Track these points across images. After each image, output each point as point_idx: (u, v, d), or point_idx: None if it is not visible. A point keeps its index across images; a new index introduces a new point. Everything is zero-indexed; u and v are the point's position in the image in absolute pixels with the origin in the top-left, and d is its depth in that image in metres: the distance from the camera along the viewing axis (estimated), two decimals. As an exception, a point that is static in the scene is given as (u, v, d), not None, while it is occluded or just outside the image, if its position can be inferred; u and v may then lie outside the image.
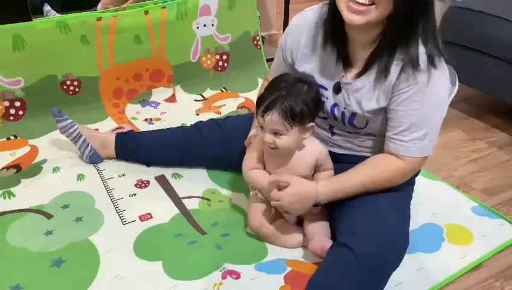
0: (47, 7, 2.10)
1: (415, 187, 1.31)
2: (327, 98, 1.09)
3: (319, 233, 1.08)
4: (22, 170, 1.42)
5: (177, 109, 1.77)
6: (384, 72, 0.97)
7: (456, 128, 1.74)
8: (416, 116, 0.96)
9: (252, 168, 1.14)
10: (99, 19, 1.62)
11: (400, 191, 1.06)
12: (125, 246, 1.13)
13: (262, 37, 2.10)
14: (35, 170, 1.42)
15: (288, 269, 1.07)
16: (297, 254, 1.11)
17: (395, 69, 0.97)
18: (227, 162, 1.35)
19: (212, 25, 1.89)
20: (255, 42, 2.04)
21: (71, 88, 1.68)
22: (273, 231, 1.12)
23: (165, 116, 1.74)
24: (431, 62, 0.93)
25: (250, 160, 1.14)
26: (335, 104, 1.08)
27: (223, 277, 1.04)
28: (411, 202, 1.25)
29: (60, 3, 2.27)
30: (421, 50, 0.94)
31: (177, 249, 1.12)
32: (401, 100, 0.97)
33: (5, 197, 1.30)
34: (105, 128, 1.56)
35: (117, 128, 1.52)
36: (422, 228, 1.21)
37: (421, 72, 0.94)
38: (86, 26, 1.61)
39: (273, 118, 1.00)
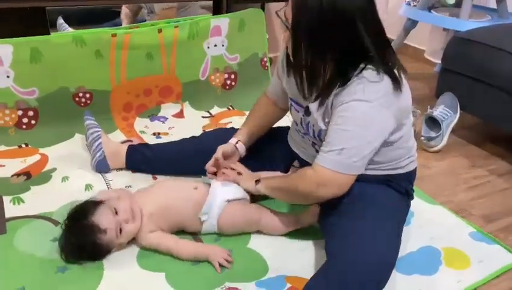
0: (60, 20, 2.17)
1: (414, 211, 1.34)
2: (303, 115, 1.17)
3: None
4: (32, 177, 1.46)
5: (184, 125, 1.81)
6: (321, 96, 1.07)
7: (457, 154, 1.77)
8: (334, 131, 1.01)
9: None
10: (114, 35, 1.68)
11: (390, 217, 1.09)
12: (129, 256, 1.16)
13: (270, 59, 2.16)
14: (45, 177, 1.46)
15: (288, 285, 1.08)
16: (298, 270, 1.13)
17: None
18: None
19: (223, 45, 1.94)
20: (263, 63, 2.10)
21: (83, 100, 1.72)
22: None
23: (172, 131, 1.78)
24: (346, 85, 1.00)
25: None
26: (308, 122, 1.16)
27: (224, 292, 1.06)
28: (409, 227, 1.29)
29: (75, 18, 2.35)
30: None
31: (179, 262, 1.14)
32: (332, 115, 1.04)
33: (14, 203, 1.33)
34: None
35: (126, 141, 1.56)
36: (420, 250, 1.22)
37: (342, 95, 1.01)
38: (101, 41, 1.67)
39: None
